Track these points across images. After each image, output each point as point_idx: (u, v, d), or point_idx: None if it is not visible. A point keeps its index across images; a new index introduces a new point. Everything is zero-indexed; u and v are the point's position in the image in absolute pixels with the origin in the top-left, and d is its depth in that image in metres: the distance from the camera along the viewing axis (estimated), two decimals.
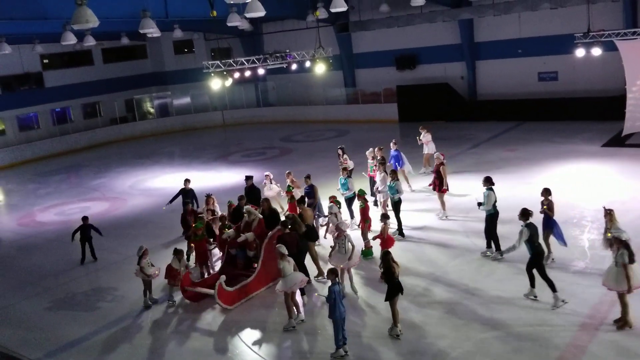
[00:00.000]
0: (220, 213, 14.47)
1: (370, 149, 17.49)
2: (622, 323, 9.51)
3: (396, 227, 14.45)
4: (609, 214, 10.86)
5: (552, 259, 12.09)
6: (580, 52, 22.26)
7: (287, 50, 21.75)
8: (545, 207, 11.86)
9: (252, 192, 15.25)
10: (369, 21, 29.75)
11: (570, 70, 27.66)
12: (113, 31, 31.08)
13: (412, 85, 31.84)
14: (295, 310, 10.63)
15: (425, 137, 20.19)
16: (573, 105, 27.18)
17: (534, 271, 10.58)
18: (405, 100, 31.85)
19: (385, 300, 9.87)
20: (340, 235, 11.65)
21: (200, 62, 21.03)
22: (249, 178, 15.78)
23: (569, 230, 13.76)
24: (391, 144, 18.44)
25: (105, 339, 11.10)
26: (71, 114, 36.11)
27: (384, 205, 15.16)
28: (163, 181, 24.13)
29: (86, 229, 15.13)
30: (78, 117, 36.30)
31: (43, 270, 15.20)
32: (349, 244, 11.53)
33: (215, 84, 19.68)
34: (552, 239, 12.03)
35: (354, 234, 13.27)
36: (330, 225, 12.71)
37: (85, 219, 15.36)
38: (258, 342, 10.40)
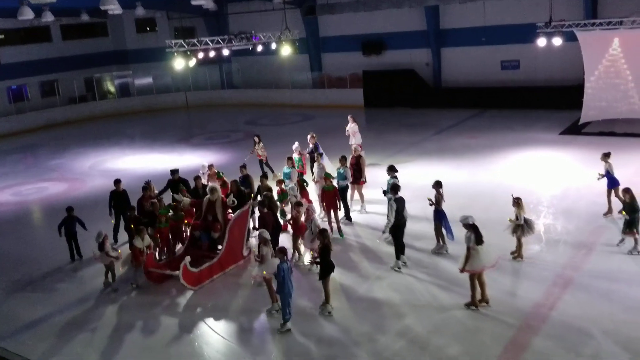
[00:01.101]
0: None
1: (297, 144, 16.77)
2: (470, 302, 10.05)
3: (342, 213, 14.40)
4: (517, 202, 11.51)
5: (446, 251, 12.33)
6: (541, 42, 22.71)
7: (253, 32, 21.54)
8: (431, 199, 12.17)
9: (176, 185, 14.20)
10: (336, 4, 29.67)
11: (532, 59, 28.21)
12: (72, 7, 30.18)
13: (378, 71, 31.95)
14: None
15: (352, 127, 19.35)
16: (533, 94, 27.79)
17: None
18: (371, 86, 31.97)
19: (319, 279, 10.16)
20: (308, 218, 11.84)
21: (162, 42, 20.69)
22: (174, 172, 14.66)
23: (526, 215, 14.14)
24: (309, 137, 17.37)
25: (64, 321, 10.91)
26: (28, 92, 34.96)
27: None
28: (124, 163, 23.71)
29: (71, 221, 13.44)
30: (35, 95, 35.14)
31: None
32: (315, 227, 11.65)
33: (178, 64, 19.38)
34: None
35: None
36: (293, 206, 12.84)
37: (69, 209, 13.49)
38: (220, 323, 10.40)
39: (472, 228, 9.85)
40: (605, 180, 13.58)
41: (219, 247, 12.40)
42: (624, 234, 11.79)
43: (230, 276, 12.20)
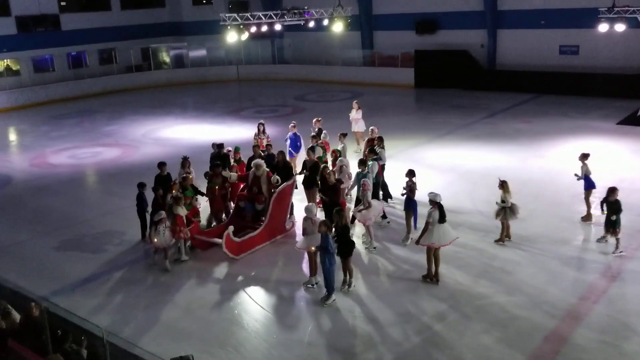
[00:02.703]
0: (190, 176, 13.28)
1: (324, 132, 15.85)
2: (426, 275, 10.49)
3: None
4: (502, 185, 11.57)
5: (410, 239, 11.97)
6: (603, 27, 21.80)
7: (306, 7, 21.40)
8: (405, 188, 12.01)
9: (224, 159, 14.14)
10: None
11: (592, 45, 27.16)
12: None
13: (430, 51, 31.41)
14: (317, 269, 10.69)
15: (356, 114, 18.64)
16: (592, 81, 26.81)
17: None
18: (422, 66, 31.46)
19: (341, 258, 10.16)
20: (364, 191, 11.89)
21: (217, 15, 20.80)
22: (220, 146, 14.48)
23: (576, 206, 13.80)
24: (290, 126, 16.61)
25: (112, 280, 11.34)
26: (87, 59, 36.06)
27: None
28: (175, 132, 24.24)
29: (142, 198, 12.86)
30: (94, 62, 36.23)
31: (53, 211, 15.44)
32: (366, 200, 11.78)
33: (231, 37, 19.49)
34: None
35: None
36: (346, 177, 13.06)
37: (141, 186, 12.86)
38: (260, 293, 10.60)
39: (437, 205, 10.14)
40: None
41: (263, 218, 12.59)
42: (607, 233, 11.46)
43: (271, 248, 12.39)
